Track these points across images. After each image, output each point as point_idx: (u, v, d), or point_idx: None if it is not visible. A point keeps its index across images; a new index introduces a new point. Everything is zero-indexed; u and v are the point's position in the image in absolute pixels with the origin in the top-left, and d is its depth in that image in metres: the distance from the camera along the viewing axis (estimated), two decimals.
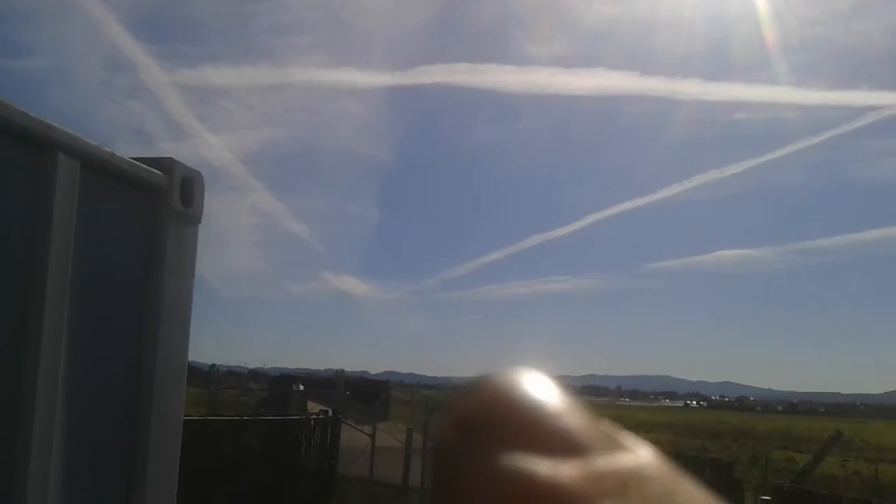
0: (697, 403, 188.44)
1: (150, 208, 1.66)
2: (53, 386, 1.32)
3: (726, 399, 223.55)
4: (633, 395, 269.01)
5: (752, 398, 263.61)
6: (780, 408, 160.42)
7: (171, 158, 1.71)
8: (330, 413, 17.11)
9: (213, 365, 34.66)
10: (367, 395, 29.43)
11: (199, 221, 1.79)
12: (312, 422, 16.62)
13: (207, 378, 36.03)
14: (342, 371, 23.33)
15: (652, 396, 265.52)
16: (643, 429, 49.94)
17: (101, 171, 1.49)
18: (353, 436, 17.39)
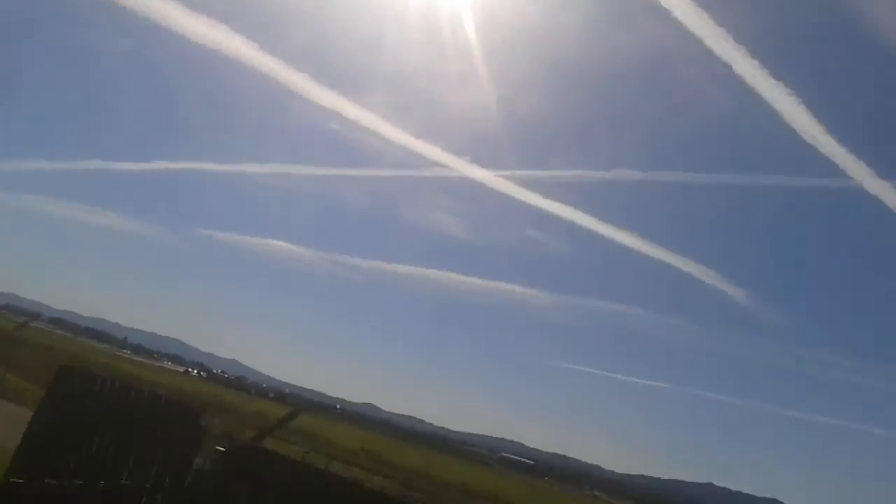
0: (198, 373, 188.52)
1: None
2: None
3: (227, 375, 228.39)
4: (137, 350, 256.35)
5: (250, 380, 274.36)
6: (271, 395, 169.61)
7: None
8: None
9: None
10: None
11: None
12: None
13: None
14: None
15: (157, 356, 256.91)
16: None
17: None
18: None
